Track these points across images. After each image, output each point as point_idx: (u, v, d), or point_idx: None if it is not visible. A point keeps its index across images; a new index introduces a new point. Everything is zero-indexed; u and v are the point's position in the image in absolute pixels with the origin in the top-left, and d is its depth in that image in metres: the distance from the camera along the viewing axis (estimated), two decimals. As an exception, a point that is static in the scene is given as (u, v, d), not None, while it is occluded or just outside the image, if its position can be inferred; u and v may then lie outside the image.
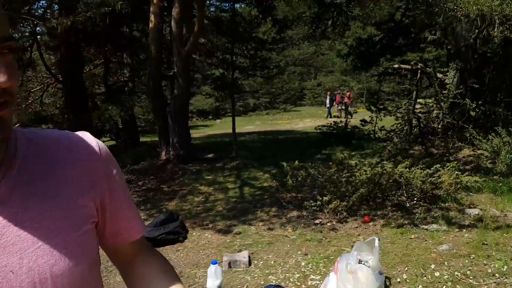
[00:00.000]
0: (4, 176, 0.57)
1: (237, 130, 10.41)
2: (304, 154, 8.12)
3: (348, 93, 19.15)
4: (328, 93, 20.21)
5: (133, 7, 7.35)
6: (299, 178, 4.72)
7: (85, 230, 0.64)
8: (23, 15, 7.50)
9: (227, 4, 11.87)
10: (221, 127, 19.80)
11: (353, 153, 6.03)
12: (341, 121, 10.02)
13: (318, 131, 10.31)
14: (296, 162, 4.84)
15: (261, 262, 3.51)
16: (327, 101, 19.61)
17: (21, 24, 8.52)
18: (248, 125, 19.69)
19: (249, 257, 3.49)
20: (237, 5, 11.95)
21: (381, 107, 8.92)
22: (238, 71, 12.49)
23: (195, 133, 13.25)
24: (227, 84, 11.98)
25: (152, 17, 7.24)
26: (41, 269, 0.57)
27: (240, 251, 3.71)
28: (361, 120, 9.37)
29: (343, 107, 18.52)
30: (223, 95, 13.50)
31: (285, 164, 4.98)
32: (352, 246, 2.84)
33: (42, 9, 9.50)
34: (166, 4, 8.58)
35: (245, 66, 12.64)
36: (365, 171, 4.28)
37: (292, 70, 31.34)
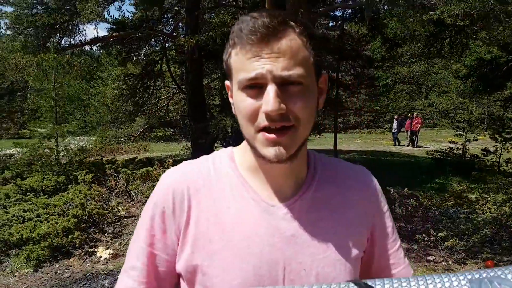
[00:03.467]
0: (307, 190, 0.77)
1: (337, 147, 9.95)
2: (413, 181, 7.91)
3: (416, 118, 17.18)
4: (396, 117, 18.99)
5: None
6: (409, 208, 4.42)
7: (358, 255, 0.77)
8: (156, 32, 9.18)
9: (334, 23, 12.44)
10: (320, 142, 18.69)
11: (472, 186, 5.65)
12: (457, 148, 9.61)
13: (430, 156, 10.10)
14: (406, 189, 4.56)
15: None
16: (394, 125, 18.35)
17: (153, 40, 10.43)
18: (348, 142, 19.41)
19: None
20: (345, 23, 12.25)
21: (508, 136, 8.51)
22: (342, 88, 12.26)
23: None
24: (329, 101, 11.98)
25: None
26: (326, 276, 0.71)
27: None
28: (482, 149, 8.86)
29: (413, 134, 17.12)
30: (325, 111, 13.45)
31: (391, 189, 4.70)
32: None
33: (171, 27, 11.28)
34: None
35: (350, 84, 12.29)
36: (489, 209, 3.93)
37: (400, 88, 30.61)
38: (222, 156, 0.82)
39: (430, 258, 4.10)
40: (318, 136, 23.50)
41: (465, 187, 4.87)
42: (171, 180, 0.77)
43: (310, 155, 0.83)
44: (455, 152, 9.62)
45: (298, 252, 0.71)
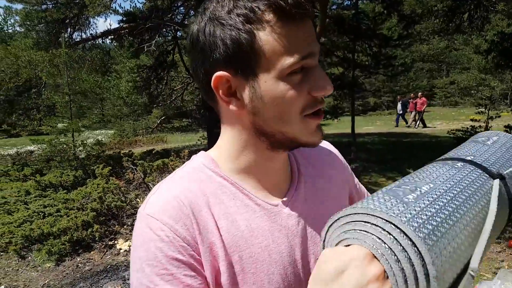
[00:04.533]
0: (299, 179, 0.74)
1: (356, 131, 9.90)
2: None
3: (421, 98, 16.66)
4: (398, 97, 19.03)
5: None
6: None
7: None
8: (166, 22, 9.02)
9: (349, 2, 12.40)
10: (338, 126, 18.57)
11: None
12: (480, 126, 9.25)
13: (452, 135, 9.71)
14: None
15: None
16: (399, 107, 18.01)
17: (165, 30, 10.24)
18: (368, 125, 18.99)
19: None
20: (359, 2, 12.04)
21: (532, 112, 8.38)
22: (359, 69, 12.08)
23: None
24: (347, 83, 11.83)
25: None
26: None
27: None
28: (505, 126, 8.60)
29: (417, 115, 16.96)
30: (342, 94, 13.26)
31: (412, 171, 4.21)
32: (495, 273, 2.64)
33: (182, 15, 11.06)
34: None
35: (367, 64, 11.94)
36: (512, 187, 3.26)
37: (419, 66, 30.12)
38: (203, 164, 0.70)
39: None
40: (336, 120, 23.29)
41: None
42: (172, 206, 0.63)
43: None
44: (477, 130, 9.38)
45: (310, 244, 0.70)
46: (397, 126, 18.06)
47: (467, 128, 9.57)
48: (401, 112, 18.04)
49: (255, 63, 0.58)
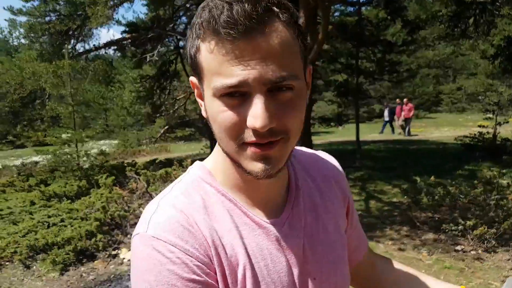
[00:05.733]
0: (296, 194, 0.72)
1: (361, 138, 10.04)
2: (441, 169, 7.90)
3: (407, 104, 15.98)
4: (385, 103, 18.73)
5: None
6: (436, 197, 4.36)
7: (346, 243, 0.77)
8: (168, 32, 9.15)
9: (352, 8, 12.32)
10: (343, 134, 19.07)
11: (504, 171, 5.19)
12: (488, 132, 9.22)
13: (459, 142, 9.88)
14: (432, 177, 4.51)
15: (392, 284, 3.49)
16: (386, 113, 17.51)
17: (167, 39, 10.53)
18: (374, 132, 18.77)
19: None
20: (363, 8, 12.01)
21: (541, 118, 8.25)
22: (363, 76, 12.00)
23: (316, 140, 13.63)
24: (350, 90, 11.84)
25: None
26: (331, 278, 0.71)
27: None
28: None
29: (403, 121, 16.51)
30: (346, 101, 13.34)
31: (418, 179, 4.70)
32: (503, 281, 2.61)
33: (184, 25, 11.38)
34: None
35: (371, 71, 11.98)
36: (521, 194, 3.39)
37: (425, 72, 29.87)
38: (200, 177, 0.69)
39: (458, 248, 4.06)
40: (341, 127, 23.28)
41: (495, 173, 4.74)
42: (178, 225, 0.61)
43: None
44: (485, 136, 9.33)
45: (307, 263, 0.68)
46: (382, 132, 17.67)
47: (475, 134, 9.51)
48: (387, 119, 17.49)
49: (201, 77, 0.59)
